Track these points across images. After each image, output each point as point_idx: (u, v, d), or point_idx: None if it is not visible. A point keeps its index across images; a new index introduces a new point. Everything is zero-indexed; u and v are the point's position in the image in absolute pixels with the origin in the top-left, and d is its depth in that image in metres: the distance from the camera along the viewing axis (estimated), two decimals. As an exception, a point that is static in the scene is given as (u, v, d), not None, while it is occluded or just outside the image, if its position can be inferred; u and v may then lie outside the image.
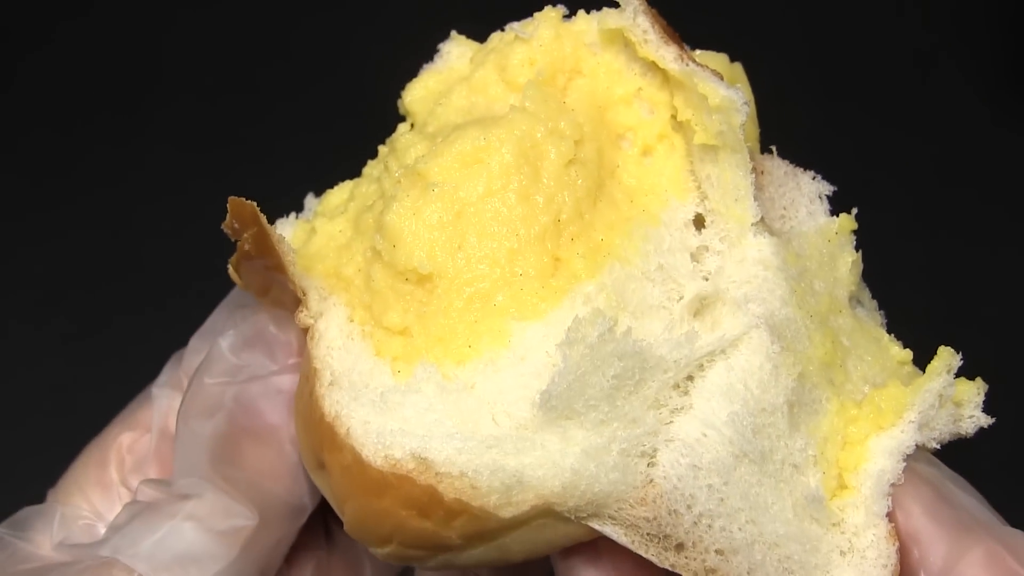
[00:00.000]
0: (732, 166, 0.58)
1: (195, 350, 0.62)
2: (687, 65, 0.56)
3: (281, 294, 0.58)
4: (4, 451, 1.03)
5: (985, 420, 0.55)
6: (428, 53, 0.65)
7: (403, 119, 0.65)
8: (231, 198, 0.53)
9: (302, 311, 0.55)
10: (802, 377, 0.54)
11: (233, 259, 0.56)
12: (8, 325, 1.09)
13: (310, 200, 0.67)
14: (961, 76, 1.24)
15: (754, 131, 0.62)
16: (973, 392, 0.55)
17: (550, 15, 0.60)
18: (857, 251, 0.58)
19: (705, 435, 0.51)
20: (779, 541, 0.52)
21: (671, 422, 0.52)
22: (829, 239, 0.59)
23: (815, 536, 0.53)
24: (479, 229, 0.55)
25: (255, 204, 0.54)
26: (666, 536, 0.50)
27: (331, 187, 0.65)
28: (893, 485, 0.54)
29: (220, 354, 0.59)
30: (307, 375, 0.55)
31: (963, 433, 0.55)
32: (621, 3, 0.58)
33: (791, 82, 1.20)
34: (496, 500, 0.49)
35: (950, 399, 0.55)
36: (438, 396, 0.52)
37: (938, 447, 0.55)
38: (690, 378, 0.53)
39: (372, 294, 0.55)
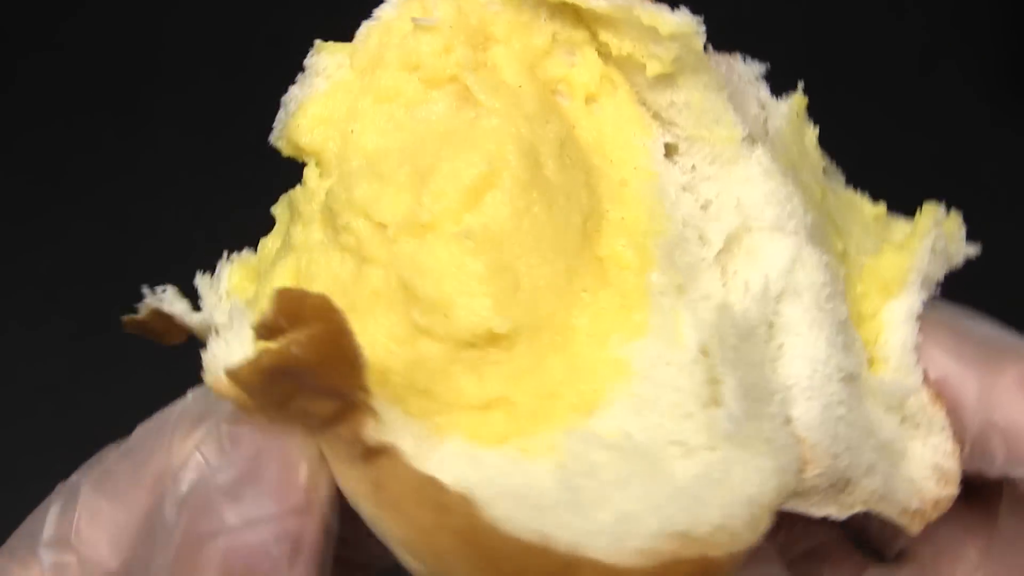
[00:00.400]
0: (701, 88, 0.53)
1: (107, 489, 0.51)
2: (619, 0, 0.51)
3: (302, 409, 0.46)
4: (4, 451, 1.03)
5: (972, 249, 0.57)
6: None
7: (295, 162, 0.55)
8: (280, 289, 0.42)
9: (368, 426, 0.44)
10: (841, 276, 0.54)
11: (243, 365, 0.43)
12: (8, 325, 1.09)
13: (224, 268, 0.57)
14: (961, 76, 1.24)
15: None
16: (955, 227, 0.57)
17: None
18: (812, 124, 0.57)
19: (815, 370, 0.51)
20: (881, 440, 0.52)
21: (776, 373, 0.51)
22: (793, 124, 0.57)
23: (889, 423, 0.53)
24: (526, 260, 0.48)
25: (327, 297, 0.42)
26: (834, 483, 0.50)
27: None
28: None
29: (206, 496, 0.46)
30: (410, 504, 0.45)
31: (953, 265, 0.57)
32: None
33: (790, 81, 1.19)
34: (745, 538, 0.45)
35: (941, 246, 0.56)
36: (613, 459, 0.46)
37: (937, 289, 0.57)
38: (770, 324, 0.51)
39: (430, 377, 0.46)
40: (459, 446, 0.46)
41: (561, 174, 0.51)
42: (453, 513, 0.44)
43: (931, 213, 0.56)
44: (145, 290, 0.57)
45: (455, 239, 0.47)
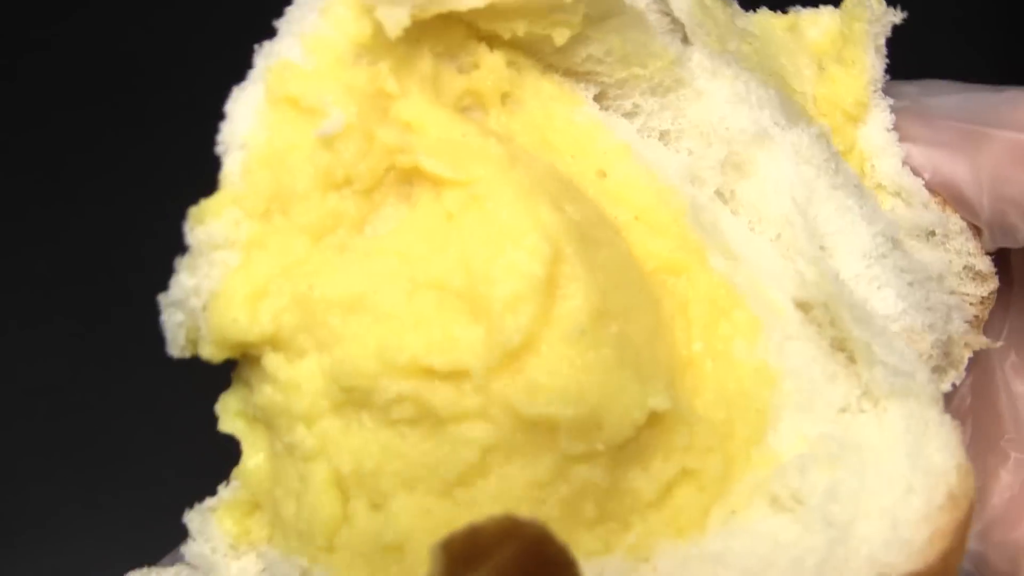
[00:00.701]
0: (619, 30, 0.48)
1: None
2: None
3: None
4: (4, 451, 1.03)
5: (898, 16, 0.59)
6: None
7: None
8: (442, 543, 0.31)
9: None
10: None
11: None
12: (8, 325, 1.09)
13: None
14: (961, 76, 1.23)
15: None
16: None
17: (293, 78, 0.44)
18: None
19: (869, 256, 0.50)
20: (934, 273, 0.54)
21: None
22: None
23: (925, 251, 0.55)
24: (624, 318, 0.41)
25: (508, 515, 0.32)
26: (942, 349, 0.51)
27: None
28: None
29: None
30: None
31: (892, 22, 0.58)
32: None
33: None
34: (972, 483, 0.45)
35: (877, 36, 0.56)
36: (822, 471, 0.43)
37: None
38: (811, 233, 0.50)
39: (598, 502, 0.41)
40: (674, 553, 0.42)
41: (579, 206, 0.44)
42: None
43: (858, 6, 0.55)
44: None
45: (570, 340, 0.39)
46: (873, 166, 0.55)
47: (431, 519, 0.38)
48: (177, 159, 1.19)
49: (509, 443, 0.40)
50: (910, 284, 0.51)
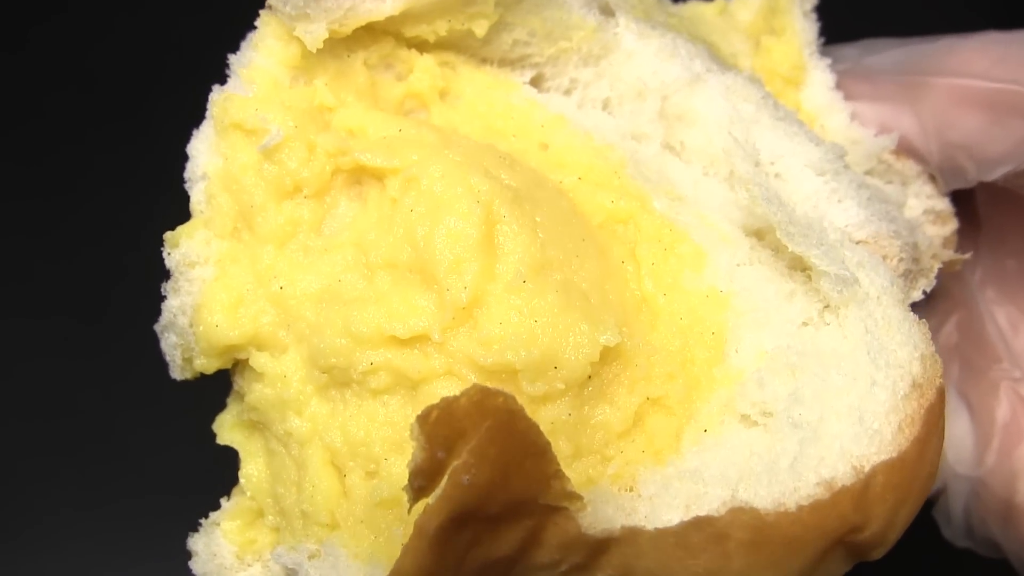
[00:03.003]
0: (537, 9, 0.51)
1: None
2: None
3: (485, 557, 0.40)
4: (4, 451, 1.03)
5: None
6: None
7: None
8: (419, 417, 0.34)
9: (582, 518, 0.41)
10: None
11: (408, 550, 0.35)
12: (8, 325, 1.09)
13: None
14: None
15: None
16: None
17: (237, 105, 0.48)
18: None
19: (823, 172, 0.52)
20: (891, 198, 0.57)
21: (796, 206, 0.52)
22: None
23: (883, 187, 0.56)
24: (570, 267, 0.45)
25: (478, 387, 0.35)
26: (912, 257, 0.52)
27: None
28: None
29: None
30: None
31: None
32: (281, 11, 0.47)
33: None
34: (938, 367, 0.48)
35: None
36: (785, 391, 0.45)
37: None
38: (756, 163, 0.51)
39: (571, 437, 0.44)
40: (657, 476, 0.44)
41: (517, 174, 0.47)
42: (733, 533, 0.43)
43: None
44: None
45: (514, 289, 0.43)
46: (823, 126, 0.56)
47: None
48: (177, 159, 1.19)
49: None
50: (869, 198, 0.52)
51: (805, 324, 0.47)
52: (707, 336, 0.46)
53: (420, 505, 0.35)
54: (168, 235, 0.50)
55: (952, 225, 0.57)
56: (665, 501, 0.44)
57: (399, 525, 0.42)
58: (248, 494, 0.50)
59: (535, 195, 0.47)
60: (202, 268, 0.49)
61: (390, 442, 0.44)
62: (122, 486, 0.93)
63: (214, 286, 0.48)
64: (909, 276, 0.53)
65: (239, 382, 0.49)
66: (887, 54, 0.57)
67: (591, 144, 0.50)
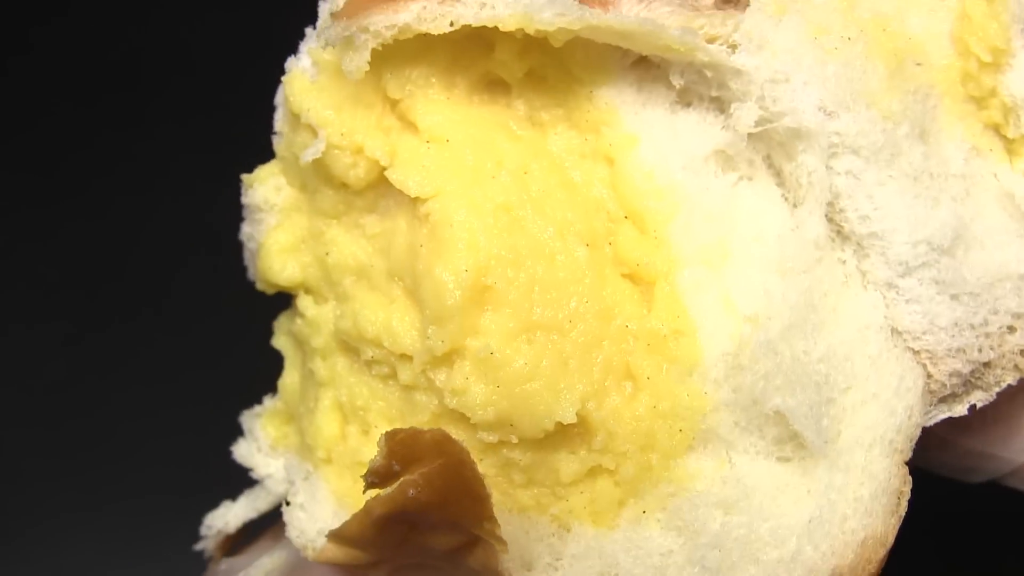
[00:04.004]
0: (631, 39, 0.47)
1: None
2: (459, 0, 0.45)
3: (420, 545, 0.44)
4: (4, 451, 1.03)
5: None
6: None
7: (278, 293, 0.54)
8: (389, 433, 0.40)
9: (501, 559, 0.43)
10: (896, 101, 0.47)
11: (350, 522, 0.42)
12: (8, 325, 1.09)
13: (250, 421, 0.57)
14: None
15: None
16: None
17: (301, 90, 0.49)
18: None
19: (906, 265, 0.46)
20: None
21: (862, 290, 0.47)
22: None
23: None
24: (559, 329, 0.45)
25: (444, 432, 0.41)
26: (970, 375, 0.48)
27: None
28: None
29: None
30: None
31: None
32: (327, 38, 0.46)
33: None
34: (889, 527, 0.47)
35: None
36: (727, 516, 0.45)
37: None
38: (837, 233, 0.47)
39: (526, 472, 0.46)
40: (586, 540, 0.46)
41: (540, 215, 0.47)
42: None
43: None
44: (197, 546, 0.57)
45: (481, 358, 0.44)
46: (1020, 118, 0.48)
47: None
48: (178, 162, 1.19)
49: (449, 416, 0.46)
50: (953, 297, 0.47)
51: (760, 454, 0.47)
52: (675, 431, 0.46)
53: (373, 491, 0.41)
54: (246, 176, 0.54)
55: None
56: (578, 569, 0.46)
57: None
58: (281, 401, 0.56)
59: (549, 245, 0.46)
60: (267, 214, 0.53)
61: (383, 415, 0.49)
62: (122, 486, 0.93)
63: (275, 232, 0.52)
64: (947, 400, 0.48)
65: (296, 302, 0.53)
66: None
67: (652, 182, 0.47)
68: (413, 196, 0.46)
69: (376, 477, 0.40)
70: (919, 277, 0.46)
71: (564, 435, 0.46)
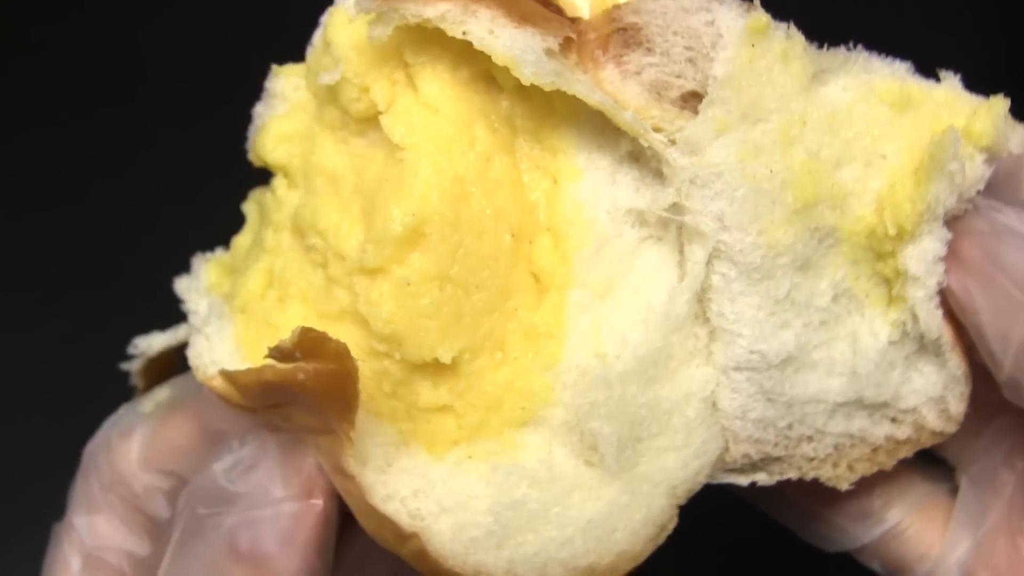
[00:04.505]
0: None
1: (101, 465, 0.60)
2: (475, 16, 0.51)
3: (289, 415, 0.52)
4: (4, 451, 1.04)
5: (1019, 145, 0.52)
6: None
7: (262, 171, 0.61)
8: (305, 328, 0.47)
9: (347, 454, 0.50)
10: (796, 234, 0.51)
11: (244, 372, 0.50)
12: (8, 325, 1.09)
13: (198, 263, 0.63)
14: (960, 77, 1.23)
15: None
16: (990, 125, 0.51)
17: (337, 26, 0.55)
18: (787, 27, 0.52)
19: (739, 362, 0.52)
20: (868, 378, 0.54)
21: (710, 357, 0.53)
22: (746, 55, 0.52)
23: (890, 356, 0.53)
24: (464, 289, 0.52)
25: (346, 346, 0.48)
26: (761, 458, 0.54)
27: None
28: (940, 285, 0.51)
29: (214, 482, 0.53)
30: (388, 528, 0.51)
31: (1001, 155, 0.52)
32: (362, 6, 0.52)
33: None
34: (650, 547, 0.54)
35: (965, 166, 0.50)
36: (535, 491, 0.52)
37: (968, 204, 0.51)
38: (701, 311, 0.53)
39: (393, 384, 0.52)
40: (418, 458, 0.53)
41: (487, 196, 0.53)
42: (409, 542, 0.51)
43: (946, 141, 0.50)
44: (122, 365, 0.63)
45: (398, 284, 0.51)
46: (905, 286, 0.52)
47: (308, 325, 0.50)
48: (178, 163, 1.20)
49: (353, 316, 0.53)
50: (769, 400, 0.53)
51: (581, 455, 0.53)
52: (519, 407, 0.53)
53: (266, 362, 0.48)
54: (275, 67, 0.60)
55: (953, 428, 0.54)
56: (402, 479, 0.52)
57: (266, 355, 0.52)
58: (230, 255, 0.62)
59: (482, 223, 0.53)
60: (280, 102, 0.60)
61: (301, 293, 0.55)
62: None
63: (280, 119, 0.59)
64: (745, 469, 0.55)
65: (272, 182, 0.60)
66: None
67: (580, 214, 0.54)
68: (395, 142, 0.53)
69: (279, 354, 0.47)
70: (747, 376, 0.53)
71: (436, 370, 0.53)
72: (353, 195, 0.54)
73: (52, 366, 1.07)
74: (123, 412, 0.62)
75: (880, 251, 0.53)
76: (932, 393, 0.54)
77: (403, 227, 0.51)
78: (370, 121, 0.55)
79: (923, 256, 0.51)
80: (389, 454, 0.52)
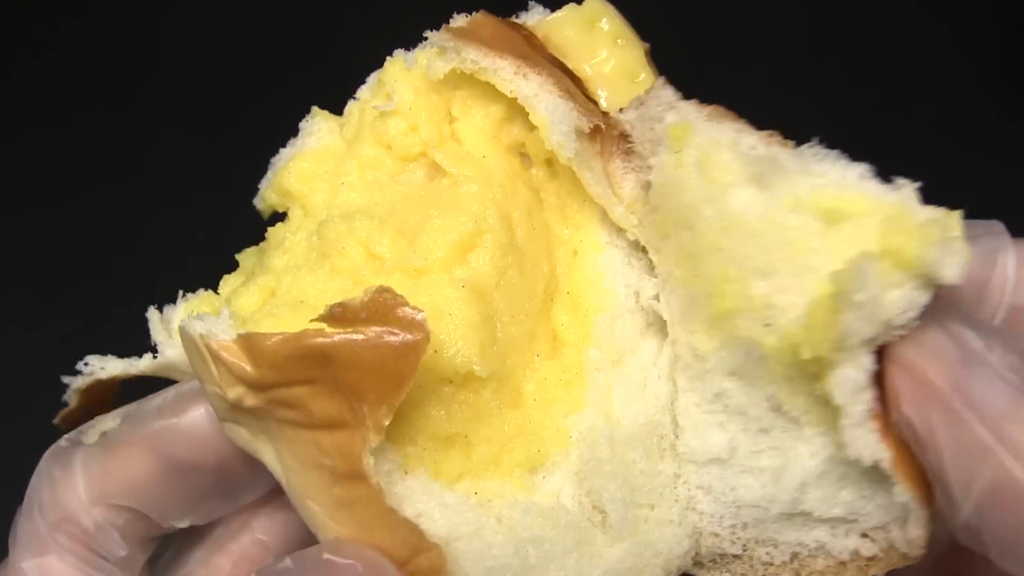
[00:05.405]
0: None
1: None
2: (525, 79, 0.54)
3: (298, 399, 0.49)
4: (4, 451, 1.03)
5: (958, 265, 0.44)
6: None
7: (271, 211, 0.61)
8: (382, 286, 0.45)
9: (366, 451, 0.47)
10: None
11: (281, 336, 0.46)
12: (8, 325, 1.09)
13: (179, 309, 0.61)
14: (960, 77, 1.23)
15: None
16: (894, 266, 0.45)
17: (395, 71, 0.58)
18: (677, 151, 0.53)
19: (689, 446, 0.54)
20: (797, 510, 0.54)
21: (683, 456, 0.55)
22: (675, 157, 0.52)
23: (838, 473, 0.53)
24: (503, 316, 0.52)
25: (423, 312, 0.45)
26: (720, 556, 0.56)
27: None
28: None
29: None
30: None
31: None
32: (432, 41, 0.55)
33: (790, 81, 1.20)
34: None
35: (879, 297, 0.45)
36: (554, 531, 0.51)
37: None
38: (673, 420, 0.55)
39: (405, 403, 0.49)
40: (423, 482, 0.51)
41: (529, 242, 0.55)
42: (423, 556, 0.48)
43: (855, 271, 0.45)
44: (65, 379, 0.62)
45: (450, 285, 0.51)
46: (837, 412, 0.49)
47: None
48: (178, 163, 1.20)
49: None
50: (713, 497, 0.55)
51: (585, 511, 0.54)
52: (534, 449, 0.53)
53: (312, 325, 0.45)
54: (314, 108, 0.61)
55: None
56: (408, 499, 0.50)
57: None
58: (212, 297, 0.61)
59: (523, 263, 0.55)
60: (313, 139, 0.61)
61: (308, 307, 0.53)
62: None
63: (308, 153, 0.60)
64: (707, 562, 0.56)
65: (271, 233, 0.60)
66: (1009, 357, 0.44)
67: (599, 281, 0.57)
68: (448, 170, 0.55)
69: (341, 311, 0.43)
70: (692, 468, 0.55)
71: (460, 389, 0.52)
72: (389, 216, 0.55)
73: (53, 366, 1.07)
74: (63, 444, 0.58)
75: (810, 372, 0.49)
76: (891, 515, 0.51)
77: (460, 234, 0.52)
78: (408, 161, 0.57)
79: (844, 385, 0.47)
80: (393, 473, 0.51)
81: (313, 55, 1.13)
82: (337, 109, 0.62)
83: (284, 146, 0.61)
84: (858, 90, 1.22)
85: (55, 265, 1.12)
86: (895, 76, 1.23)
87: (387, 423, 0.46)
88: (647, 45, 0.59)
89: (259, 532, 0.58)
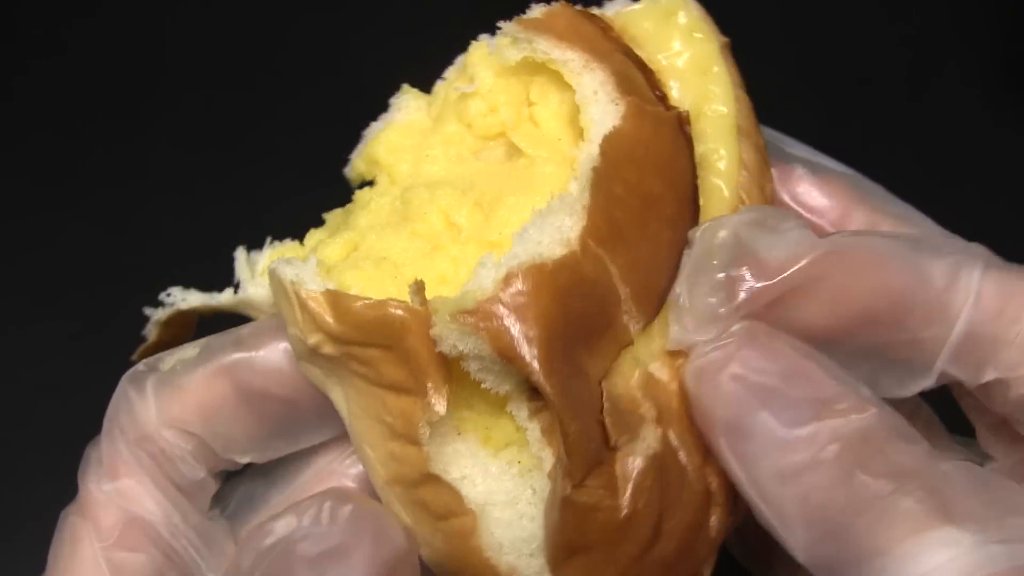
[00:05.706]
0: None
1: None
2: (592, 72, 0.54)
3: (369, 360, 0.50)
4: (4, 451, 1.04)
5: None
6: (428, 52, 0.65)
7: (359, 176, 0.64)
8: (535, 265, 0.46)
9: (423, 421, 0.49)
10: None
11: (372, 305, 0.48)
12: (8, 325, 1.09)
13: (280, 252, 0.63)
14: (961, 78, 1.24)
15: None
16: None
17: (478, 55, 0.60)
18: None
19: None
20: None
21: None
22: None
23: None
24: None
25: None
26: None
27: (333, 187, 0.64)
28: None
29: (287, 561, 0.46)
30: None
31: None
32: (505, 31, 0.57)
33: (787, 85, 1.20)
34: None
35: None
36: None
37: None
38: None
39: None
40: (471, 446, 0.52)
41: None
42: (455, 520, 0.49)
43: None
44: (147, 310, 0.62)
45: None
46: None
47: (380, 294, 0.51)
48: (177, 163, 1.20)
49: (454, 284, 0.54)
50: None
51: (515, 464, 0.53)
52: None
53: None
54: (406, 86, 0.64)
55: None
56: (455, 463, 0.51)
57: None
58: (298, 247, 0.63)
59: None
60: (402, 115, 0.63)
61: (390, 263, 0.54)
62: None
63: (396, 126, 0.63)
64: None
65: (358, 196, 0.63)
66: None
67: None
68: (524, 151, 0.57)
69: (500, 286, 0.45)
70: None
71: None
72: (468, 189, 0.57)
73: (53, 366, 1.07)
74: (141, 368, 0.58)
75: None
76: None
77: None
78: (488, 138, 0.59)
79: None
80: (448, 435, 0.52)
81: (320, 60, 1.14)
82: (343, 110, 0.63)
83: (289, 149, 0.62)
84: (857, 97, 1.22)
85: (55, 265, 1.12)
86: (893, 81, 1.23)
87: (445, 401, 0.48)
88: (726, 39, 0.59)
89: (347, 479, 0.57)
